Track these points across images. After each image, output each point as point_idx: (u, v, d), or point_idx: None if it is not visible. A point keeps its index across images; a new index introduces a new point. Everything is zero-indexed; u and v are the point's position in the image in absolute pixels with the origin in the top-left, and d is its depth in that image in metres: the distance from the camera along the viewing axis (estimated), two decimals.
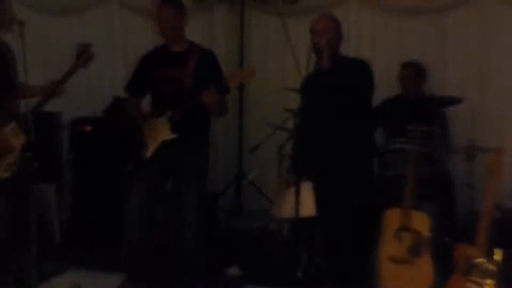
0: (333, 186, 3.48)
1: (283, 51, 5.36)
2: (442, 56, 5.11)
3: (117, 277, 3.61)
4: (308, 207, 3.64)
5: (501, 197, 4.18)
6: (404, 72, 4.75)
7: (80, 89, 5.41)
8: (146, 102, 3.77)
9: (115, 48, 5.82)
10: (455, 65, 5.09)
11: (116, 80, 5.61)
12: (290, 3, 5.37)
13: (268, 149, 4.97)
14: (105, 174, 4.91)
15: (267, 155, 5.11)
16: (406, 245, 3.43)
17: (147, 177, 3.61)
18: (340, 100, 3.39)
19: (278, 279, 3.92)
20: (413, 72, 4.74)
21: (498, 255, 3.03)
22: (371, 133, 3.77)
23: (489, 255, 3.06)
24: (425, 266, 3.39)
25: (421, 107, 4.34)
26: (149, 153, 3.57)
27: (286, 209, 3.85)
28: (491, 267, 3.03)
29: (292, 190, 3.40)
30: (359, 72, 3.48)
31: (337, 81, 3.36)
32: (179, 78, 3.57)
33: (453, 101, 4.46)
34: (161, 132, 3.55)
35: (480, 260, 3.08)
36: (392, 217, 3.51)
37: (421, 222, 3.45)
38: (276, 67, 5.52)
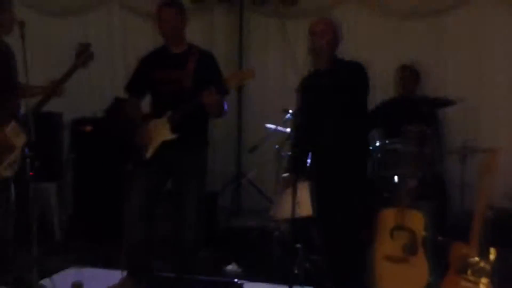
0: (333, 185, 3.50)
1: (282, 52, 5.39)
2: (440, 57, 5.14)
3: (118, 274, 3.63)
4: (305, 207, 3.65)
5: (494, 197, 4.20)
6: (403, 72, 4.80)
7: (81, 89, 5.47)
8: (146, 103, 3.79)
9: (115, 49, 5.85)
10: (453, 66, 5.12)
11: (116, 81, 5.63)
12: (289, 5, 5.38)
13: (267, 149, 4.99)
14: (106, 174, 4.94)
15: (266, 155, 5.13)
16: (401, 244, 3.45)
17: (147, 177, 3.62)
18: (339, 100, 3.41)
19: (276, 278, 3.94)
20: (412, 73, 4.81)
21: (492, 254, 3.08)
22: (366, 133, 3.80)
23: (483, 254, 3.10)
24: (420, 265, 3.42)
25: (416, 109, 4.38)
26: (149, 153, 3.58)
27: (284, 209, 3.86)
28: (486, 265, 3.07)
29: (290, 190, 3.41)
30: (356, 73, 3.50)
31: (337, 81, 3.39)
32: (179, 79, 3.58)
33: (447, 102, 4.50)
34: (161, 132, 3.56)
35: (474, 258, 3.11)
36: (387, 217, 3.54)
37: (416, 221, 3.47)
38: (275, 68, 5.54)
